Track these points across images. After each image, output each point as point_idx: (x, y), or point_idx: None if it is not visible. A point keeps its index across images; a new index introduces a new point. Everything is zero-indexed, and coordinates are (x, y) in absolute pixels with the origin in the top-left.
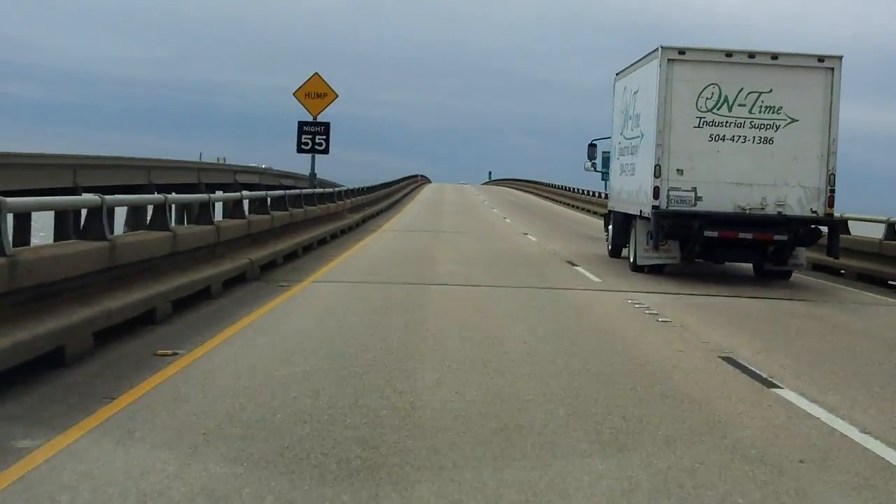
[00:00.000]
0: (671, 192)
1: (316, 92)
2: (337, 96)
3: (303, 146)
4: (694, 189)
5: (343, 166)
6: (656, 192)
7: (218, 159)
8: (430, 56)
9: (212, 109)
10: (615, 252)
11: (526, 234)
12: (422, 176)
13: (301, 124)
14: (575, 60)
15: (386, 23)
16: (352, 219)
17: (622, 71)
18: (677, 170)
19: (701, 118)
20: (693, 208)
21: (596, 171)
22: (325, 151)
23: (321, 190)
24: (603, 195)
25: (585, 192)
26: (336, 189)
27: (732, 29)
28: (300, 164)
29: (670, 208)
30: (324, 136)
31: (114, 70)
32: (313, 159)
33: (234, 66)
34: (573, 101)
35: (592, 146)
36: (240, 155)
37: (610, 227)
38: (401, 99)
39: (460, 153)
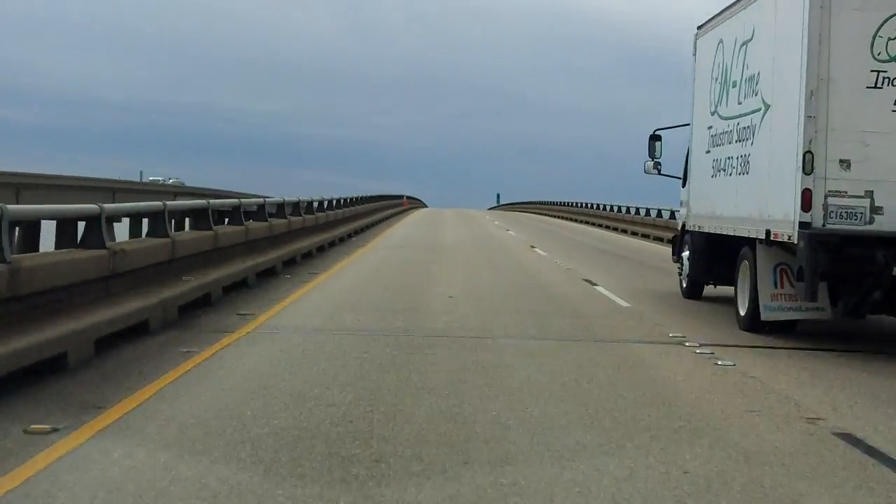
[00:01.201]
0: (830, 200)
1: None
2: None
3: None
4: (870, 194)
5: (344, 192)
6: (806, 200)
7: (167, 179)
8: (428, 77)
9: (203, 134)
10: (694, 291)
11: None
12: (410, 198)
13: None
14: (574, 82)
15: (384, 44)
16: None
17: (713, 18)
18: (840, 161)
19: (881, 73)
20: (868, 227)
21: (661, 173)
22: None
23: None
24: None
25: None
26: None
27: None
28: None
29: (829, 226)
30: None
31: (91, 91)
32: None
33: (230, 89)
34: (574, 122)
35: (655, 139)
36: (235, 181)
37: (685, 254)
38: (400, 122)
39: (461, 176)
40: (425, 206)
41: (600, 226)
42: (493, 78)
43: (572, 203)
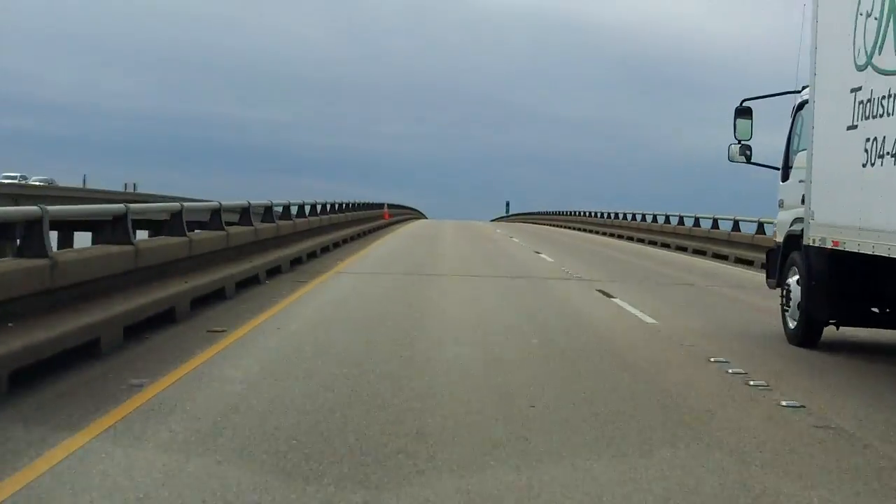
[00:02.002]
0: None
1: None
2: None
3: None
4: None
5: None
6: None
7: (126, 186)
8: (427, 86)
9: (201, 142)
10: (809, 334)
11: None
12: (395, 206)
13: None
14: (576, 91)
15: (383, 54)
16: None
17: None
18: None
19: None
20: None
21: (750, 161)
22: None
23: None
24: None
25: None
26: None
27: (732, 62)
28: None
29: None
30: None
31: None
32: None
33: (229, 98)
34: (578, 131)
35: (743, 114)
36: (231, 189)
37: (793, 279)
38: (399, 131)
39: (462, 185)
40: (423, 216)
41: (686, 250)
42: (493, 87)
43: (606, 214)
